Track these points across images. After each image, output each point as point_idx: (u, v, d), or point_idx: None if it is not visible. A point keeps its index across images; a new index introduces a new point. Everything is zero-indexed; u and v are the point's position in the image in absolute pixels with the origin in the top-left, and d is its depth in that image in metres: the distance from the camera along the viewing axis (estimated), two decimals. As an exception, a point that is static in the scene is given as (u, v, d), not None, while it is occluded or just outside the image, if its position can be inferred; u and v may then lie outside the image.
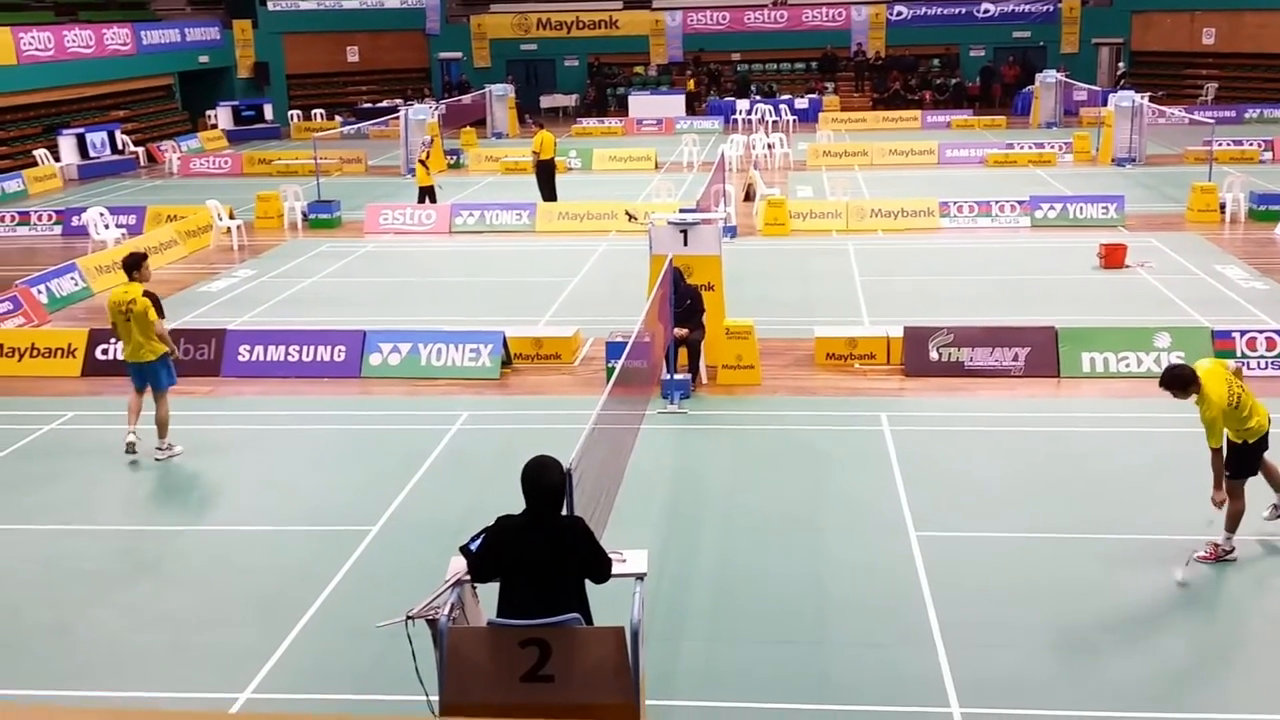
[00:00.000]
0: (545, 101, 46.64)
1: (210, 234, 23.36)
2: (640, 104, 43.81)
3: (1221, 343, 13.88)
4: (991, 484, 10.86)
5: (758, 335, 13.97)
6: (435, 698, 6.17)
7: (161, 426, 12.00)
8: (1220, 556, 9.15)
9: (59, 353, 15.10)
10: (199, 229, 23.26)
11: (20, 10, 37.15)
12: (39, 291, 18.04)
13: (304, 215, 24.82)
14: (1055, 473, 11.10)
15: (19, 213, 25.71)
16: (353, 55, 48.29)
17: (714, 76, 47.76)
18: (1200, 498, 9.25)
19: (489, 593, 6.47)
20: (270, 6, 45.78)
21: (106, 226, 22.93)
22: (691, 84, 46.57)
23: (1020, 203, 23.30)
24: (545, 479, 6.21)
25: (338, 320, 16.38)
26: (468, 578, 6.39)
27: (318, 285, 19.64)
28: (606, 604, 6.55)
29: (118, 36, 37.94)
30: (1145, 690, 7.62)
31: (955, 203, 23.34)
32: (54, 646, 8.47)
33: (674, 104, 43.85)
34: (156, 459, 11.89)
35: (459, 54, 49.20)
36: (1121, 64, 46.41)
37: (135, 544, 10.23)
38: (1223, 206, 23.10)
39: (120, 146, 35.55)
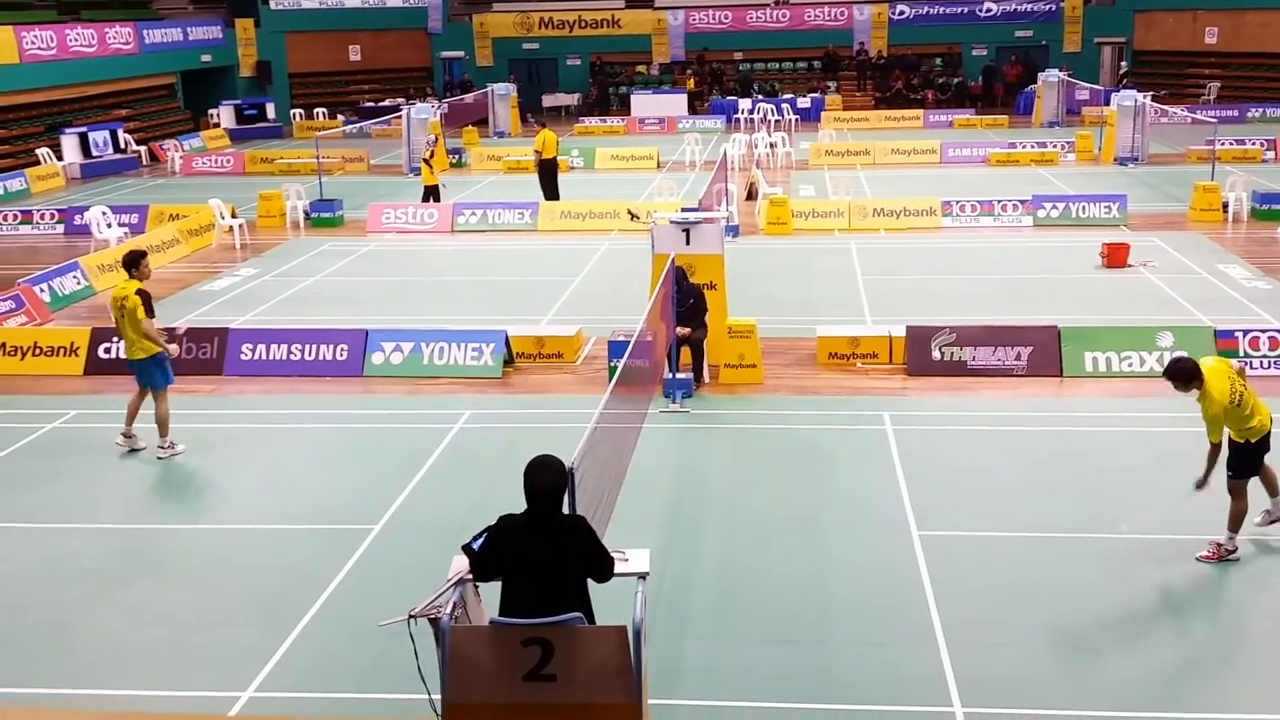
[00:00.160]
0: (547, 100, 46.62)
1: (212, 233, 23.38)
2: (642, 103, 43.83)
3: (1224, 342, 13.87)
4: (994, 483, 10.86)
5: (760, 334, 13.97)
6: (437, 697, 6.17)
7: (161, 425, 12.00)
8: (1223, 556, 9.16)
9: (61, 351, 15.12)
10: (201, 228, 23.27)
11: (23, 9, 37.18)
12: (41, 290, 18.06)
13: (306, 214, 24.83)
14: (1057, 472, 11.10)
15: (21, 211, 25.74)
16: (355, 54, 48.32)
17: (716, 76, 47.75)
18: (1201, 498, 9.24)
19: (491, 592, 6.47)
20: (272, 5, 45.77)
21: (109, 225, 22.94)
22: (693, 83, 46.56)
23: (1023, 202, 23.29)
24: (547, 478, 6.20)
25: (340, 319, 16.39)
26: (470, 577, 6.39)
27: (320, 284, 19.65)
28: (609, 603, 6.55)
29: (120, 35, 37.95)
30: (1146, 690, 7.61)
31: (957, 202, 23.34)
32: (55, 645, 8.46)
33: (676, 103, 43.87)
34: (158, 458, 11.89)
35: (461, 53, 49.20)
36: (1124, 63, 46.39)
37: (137, 543, 10.23)
38: (1225, 206, 23.10)
39: (123, 145, 35.59)
